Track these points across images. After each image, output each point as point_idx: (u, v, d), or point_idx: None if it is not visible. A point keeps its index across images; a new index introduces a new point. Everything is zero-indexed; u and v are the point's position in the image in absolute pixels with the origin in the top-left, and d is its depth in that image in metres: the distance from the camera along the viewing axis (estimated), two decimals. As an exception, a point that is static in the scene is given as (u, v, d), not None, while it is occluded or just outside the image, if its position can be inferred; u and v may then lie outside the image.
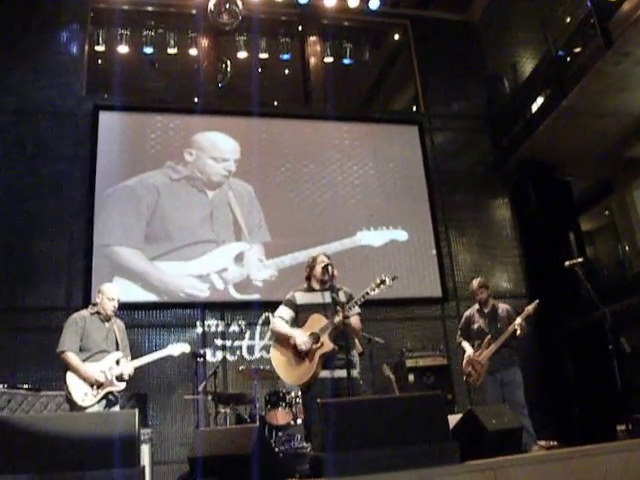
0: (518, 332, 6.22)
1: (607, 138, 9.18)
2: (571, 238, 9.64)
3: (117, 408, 5.28)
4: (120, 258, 8.41)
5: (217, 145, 9.33)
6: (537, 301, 6.35)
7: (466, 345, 6.63)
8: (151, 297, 8.41)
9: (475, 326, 6.60)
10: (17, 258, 8.03)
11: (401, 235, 9.43)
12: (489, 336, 6.35)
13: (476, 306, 6.74)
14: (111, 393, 5.19)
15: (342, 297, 4.88)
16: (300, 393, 5.92)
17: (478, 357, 6.36)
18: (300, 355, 4.73)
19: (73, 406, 5.02)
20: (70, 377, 5.06)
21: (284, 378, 4.88)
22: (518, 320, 6.24)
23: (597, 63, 7.81)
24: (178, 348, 5.81)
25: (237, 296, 8.64)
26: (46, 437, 3.12)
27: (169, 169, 9.00)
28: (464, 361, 6.59)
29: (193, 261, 8.62)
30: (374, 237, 9.31)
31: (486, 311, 6.61)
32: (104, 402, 5.14)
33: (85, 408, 4.99)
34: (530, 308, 6.31)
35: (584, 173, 10.26)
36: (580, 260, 6.17)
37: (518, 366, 6.40)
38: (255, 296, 8.68)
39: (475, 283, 6.79)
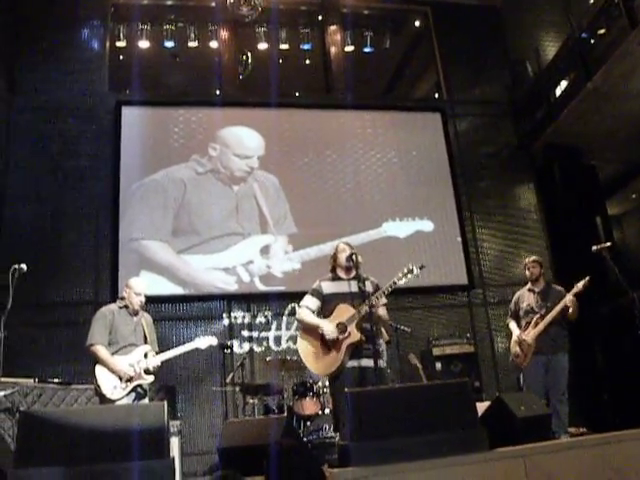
0: (570, 310, 5.98)
1: (633, 120, 9.03)
2: (598, 222, 9.53)
3: (146, 401, 5.32)
4: (148, 252, 8.49)
5: (242, 141, 9.36)
6: (588, 277, 6.06)
7: (513, 326, 6.44)
8: (178, 290, 8.47)
9: (524, 304, 6.38)
10: (45, 254, 8.11)
11: (427, 225, 9.40)
12: (537, 315, 6.16)
13: (527, 286, 6.53)
14: (140, 386, 5.23)
15: (369, 287, 4.86)
16: (328, 382, 5.93)
17: (526, 336, 6.16)
18: (327, 345, 4.73)
19: (102, 399, 5.07)
20: (99, 370, 5.11)
21: (311, 368, 4.89)
22: (569, 296, 6.01)
23: (622, 44, 7.68)
24: (205, 341, 5.83)
25: (263, 288, 8.67)
26: (77, 430, 3.16)
27: (194, 162, 9.06)
28: (512, 341, 6.40)
29: (219, 254, 8.67)
30: (400, 228, 9.28)
31: (537, 290, 6.39)
32: (133, 395, 5.18)
33: (114, 401, 5.03)
34: (580, 285, 6.04)
35: (610, 156, 10.11)
36: (608, 244, 6.07)
37: (567, 351, 6.19)
38: (281, 288, 8.71)
39: (528, 258, 6.61)
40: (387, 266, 8.34)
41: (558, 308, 6.05)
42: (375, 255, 8.58)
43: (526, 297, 6.45)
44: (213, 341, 5.93)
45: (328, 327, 4.73)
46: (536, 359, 6.14)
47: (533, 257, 6.64)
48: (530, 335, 6.15)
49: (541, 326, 6.10)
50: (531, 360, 6.16)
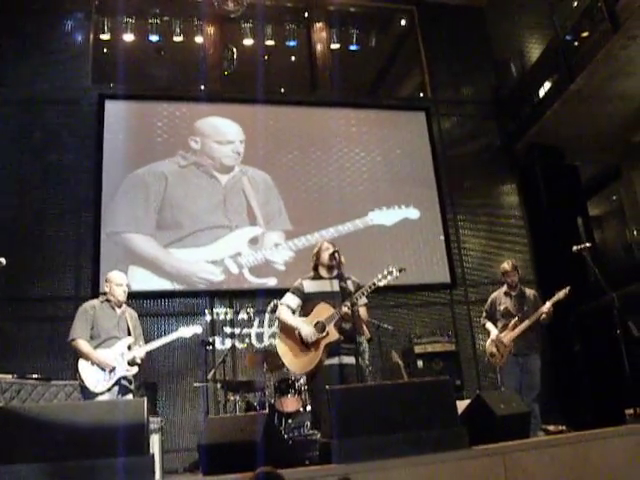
0: (543, 317, 6.12)
1: (615, 123, 9.13)
2: (579, 223, 9.61)
3: (130, 396, 5.29)
4: (131, 244, 8.47)
5: (219, 129, 9.36)
6: (568, 287, 6.16)
7: (490, 326, 6.54)
8: (164, 283, 8.46)
9: (502, 307, 6.49)
10: (25, 248, 8.04)
11: (413, 213, 9.45)
12: (516, 318, 6.26)
13: (503, 288, 6.63)
14: (124, 378, 5.21)
15: (350, 286, 4.86)
16: (306, 380, 5.94)
17: (503, 338, 6.28)
18: (305, 344, 4.72)
19: (86, 393, 5.03)
20: (82, 364, 5.08)
21: (289, 366, 4.87)
22: (548, 304, 6.12)
23: (604, 47, 7.77)
24: (190, 330, 5.82)
25: (252, 280, 8.69)
26: (55, 426, 3.14)
27: (179, 157, 9.05)
28: (488, 341, 6.52)
29: (206, 247, 8.68)
30: (386, 216, 9.35)
31: (514, 294, 6.50)
32: (117, 388, 5.15)
33: (98, 394, 5.00)
34: (561, 294, 6.15)
35: (592, 158, 10.21)
36: (588, 245, 6.15)
37: (539, 352, 6.31)
38: (270, 279, 8.73)
39: (508, 265, 6.64)
40: (371, 259, 8.44)
41: (538, 314, 6.16)
42: (360, 248, 8.71)
43: (503, 300, 6.56)
44: (198, 329, 5.93)
45: (307, 330, 4.71)
46: (512, 359, 6.27)
47: (510, 263, 6.67)
48: (508, 337, 6.27)
49: (519, 330, 6.22)
50: (507, 360, 6.28)
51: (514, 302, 6.46)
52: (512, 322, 6.29)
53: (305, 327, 4.74)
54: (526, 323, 6.19)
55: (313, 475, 3.25)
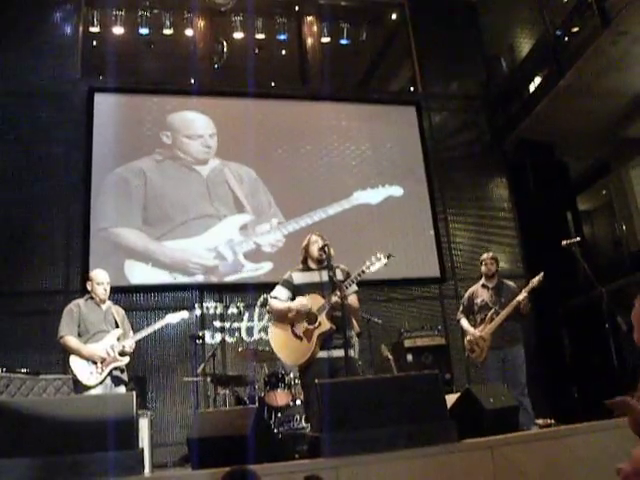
0: (522, 305, 6.07)
1: (604, 118, 9.16)
2: (568, 218, 9.66)
3: (123, 388, 5.31)
4: (119, 239, 8.43)
5: (187, 124, 9.30)
6: (542, 274, 6.17)
7: (465, 323, 6.49)
8: (161, 274, 8.45)
9: (478, 300, 6.44)
10: (15, 242, 8.01)
11: (396, 191, 9.53)
12: (492, 310, 6.22)
13: (481, 281, 6.59)
14: (117, 369, 5.23)
15: (339, 275, 4.84)
16: (299, 374, 5.95)
17: (481, 332, 6.22)
18: (298, 335, 4.72)
19: (79, 387, 5.06)
20: (73, 360, 5.11)
21: (283, 358, 4.87)
22: (523, 292, 6.10)
23: (594, 43, 7.79)
24: (177, 316, 5.84)
25: (248, 265, 8.70)
26: (44, 421, 3.14)
27: (156, 153, 9.01)
28: (466, 338, 6.48)
29: (198, 236, 8.68)
30: (369, 195, 9.42)
31: (491, 286, 6.45)
32: (109, 379, 5.17)
33: (91, 387, 5.03)
34: (535, 280, 6.15)
35: (581, 153, 10.25)
36: (577, 240, 6.17)
37: (522, 344, 6.27)
38: (266, 263, 8.75)
39: (486, 254, 6.67)
40: (363, 250, 8.47)
41: (513, 304, 6.12)
42: (348, 232, 8.75)
43: (480, 293, 6.51)
44: (184, 314, 5.97)
45: (297, 302, 4.72)
46: (493, 354, 6.21)
47: (491, 254, 6.71)
48: (486, 331, 6.21)
49: (497, 322, 6.17)
50: (488, 355, 6.23)
51: (491, 294, 6.41)
52: (489, 314, 6.24)
53: (295, 302, 4.75)
54: (503, 314, 6.14)
55: (302, 469, 3.25)
